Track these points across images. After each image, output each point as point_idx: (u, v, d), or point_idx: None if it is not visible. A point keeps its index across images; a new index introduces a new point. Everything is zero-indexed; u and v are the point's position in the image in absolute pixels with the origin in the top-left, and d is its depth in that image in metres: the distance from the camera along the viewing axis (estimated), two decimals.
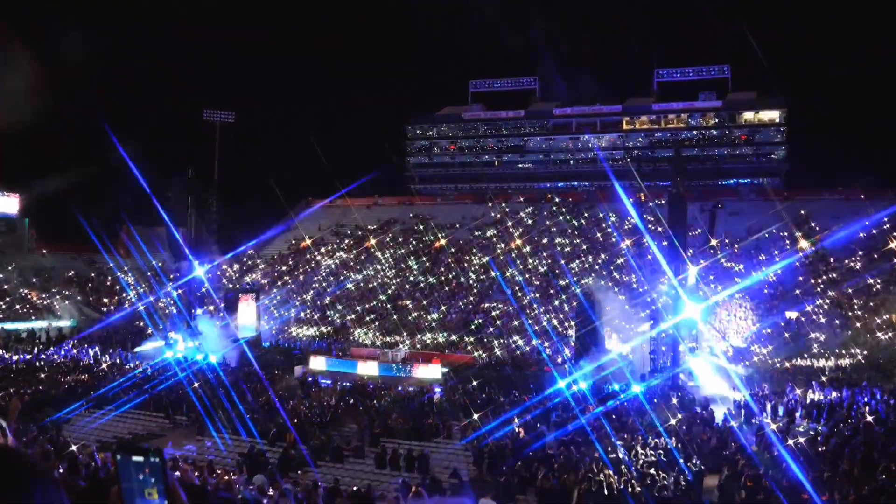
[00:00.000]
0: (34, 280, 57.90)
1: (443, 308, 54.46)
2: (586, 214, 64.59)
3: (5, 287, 55.98)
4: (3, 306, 53.85)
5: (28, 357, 41.85)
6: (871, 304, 44.76)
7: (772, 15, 74.75)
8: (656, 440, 23.18)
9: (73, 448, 21.09)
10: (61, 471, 17.54)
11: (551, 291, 52.93)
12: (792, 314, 45.00)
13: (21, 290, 55.96)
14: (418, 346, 47.87)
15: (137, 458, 1.73)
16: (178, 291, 51.28)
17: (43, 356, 42.63)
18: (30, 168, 68.31)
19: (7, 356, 41.72)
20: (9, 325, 50.82)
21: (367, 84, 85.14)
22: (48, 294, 56.27)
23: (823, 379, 34.39)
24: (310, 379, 37.17)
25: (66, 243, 63.69)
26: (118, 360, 41.92)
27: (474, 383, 35.09)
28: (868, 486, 17.02)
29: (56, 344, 46.69)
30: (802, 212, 56.25)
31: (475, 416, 28.53)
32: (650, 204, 60.08)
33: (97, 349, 44.88)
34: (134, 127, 73.40)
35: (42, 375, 36.31)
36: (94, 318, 55.14)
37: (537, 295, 52.52)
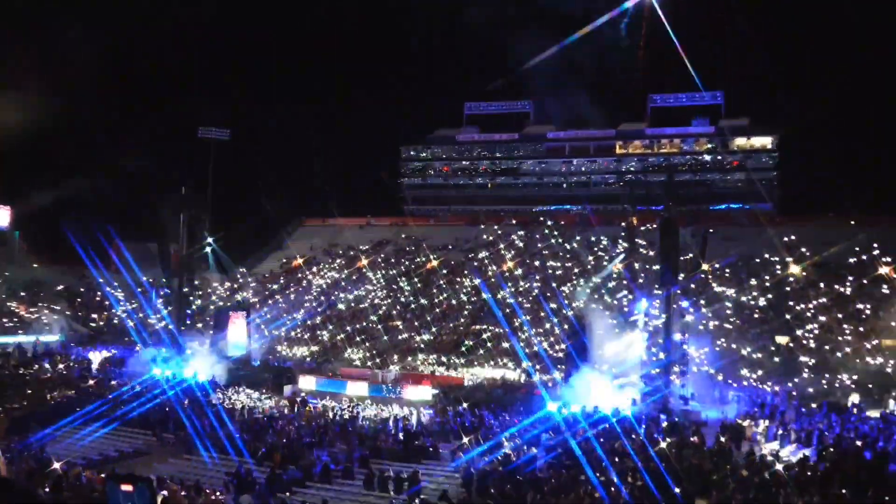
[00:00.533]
0: (23, 294, 57.58)
1: (433, 329, 54.36)
2: (578, 237, 64.73)
3: None
4: None
5: (15, 372, 41.53)
6: (861, 329, 44.90)
7: (765, 42, 75.37)
8: (647, 463, 23.07)
9: (56, 466, 20.96)
10: (47, 489, 17.37)
11: (542, 314, 52.88)
12: (782, 339, 45.07)
13: (9, 304, 55.62)
14: (408, 367, 47.70)
15: (126, 488, 1.69)
16: (168, 308, 51.09)
17: (30, 371, 42.30)
18: (22, 180, 68.02)
19: None
20: None
21: (362, 105, 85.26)
22: (36, 308, 55.92)
23: (813, 404, 34.43)
24: (299, 398, 36.98)
25: (56, 257, 63.36)
26: (106, 377, 41.62)
27: (464, 405, 34.98)
28: None
29: (43, 359, 46.33)
30: (794, 237, 56.49)
31: (465, 439, 28.40)
32: (642, 228, 60.31)
33: (85, 365, 44.61)
34: (128, 140, 73.22)
35: (29, 391, 35.97)
36: (83, 333, 54.83)
37: (529, 317, 52.46)
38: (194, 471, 26.44)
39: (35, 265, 63.74)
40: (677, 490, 20.76)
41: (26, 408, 32.22)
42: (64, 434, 29.31)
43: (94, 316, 58.49)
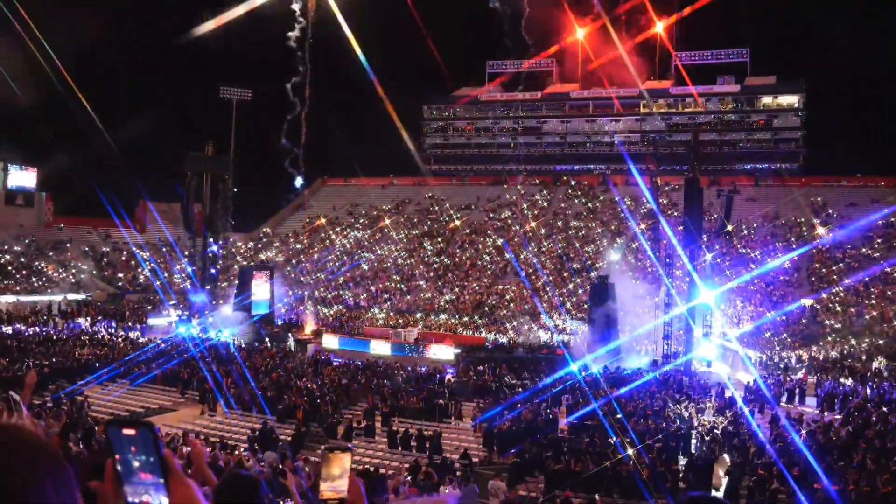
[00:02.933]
0: (50, 253, 58.30)
1: (456, 289, 54.44)
2: (601, 198, 64.28)
3: (22, 260, 56.41)
4: (20, 279, 54.29)
5: (44, 330, 42.23)
6: (889, 292, 44.37)
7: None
8: (667, 425, 23.11)
9: (89, 419, 21.29)
10: (80, 446, 17.72)
11: (565, 274, 52.78)
12: (807, 301, 44.67)
13: (37, 263, 56.37)
14: (431, 326, 47.88)
15: (129, 432, 1.66)
16: (192, 268, 51.46)
17: (58, 329, 43.00)
18: (48, 142, 68.38)
19: (24, 329, 42.11)
20: (25, 298, 51.25)
21: (385, 62, 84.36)
22: (64, 268, 56.66)
23: (838, 367, 34.17)
24: (322, 357, 37.27)
25: (83, 217, 64.05)
26: (132, 335, 42.20)
27: (486, 365, 35.07)
28: (881, 477, 16.91)
29: (71, 317, 47.07)
30: (819, 198, 55.70)
31: (486, 398, 28.54)
32: (666, 188, 59.72)
33: (111, 323, 45.25)
34: (153, 101, 73.28)
35: (57, 348, 36.56)
36: (109, 292, 55.54)
37: (551, 278, 52.36)
38: (218, 427, 26.88)
39: (62, 225, 64.43)
40: (699, 451, 20.81)
41: (54, 364, 32.74)
42: (91, 390, 29.83)
43: (121, 275, 59.17)
